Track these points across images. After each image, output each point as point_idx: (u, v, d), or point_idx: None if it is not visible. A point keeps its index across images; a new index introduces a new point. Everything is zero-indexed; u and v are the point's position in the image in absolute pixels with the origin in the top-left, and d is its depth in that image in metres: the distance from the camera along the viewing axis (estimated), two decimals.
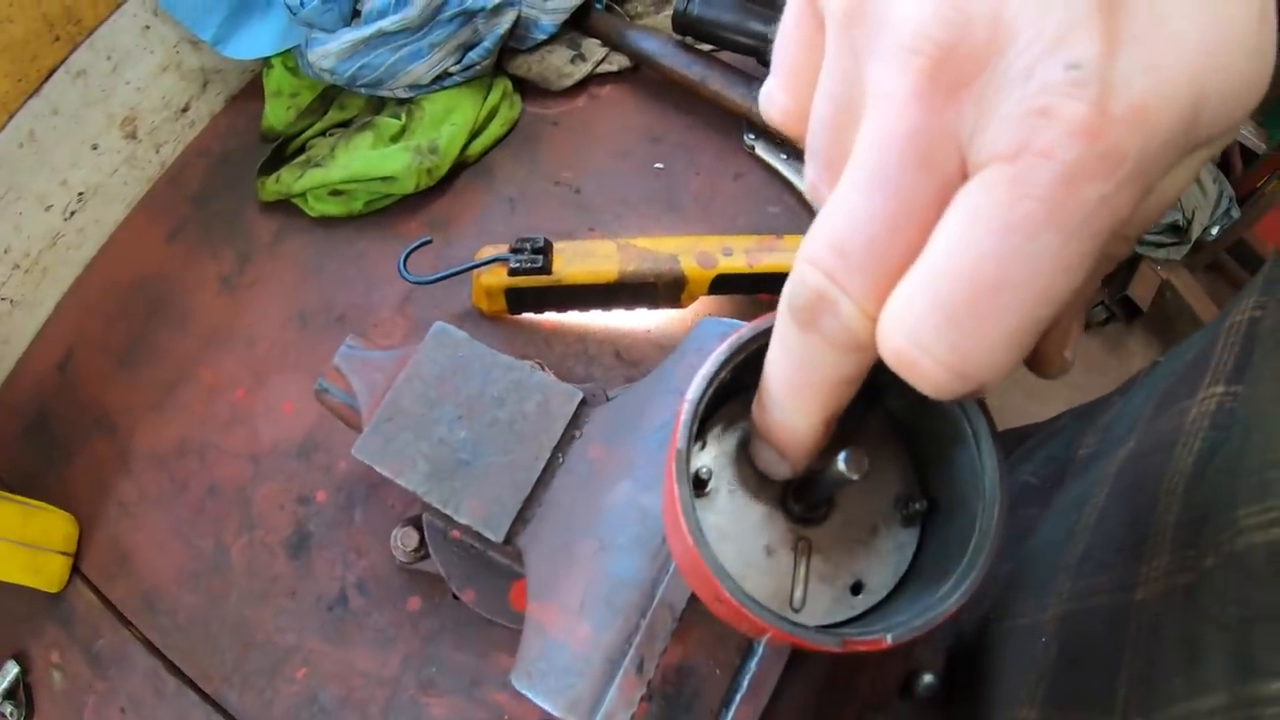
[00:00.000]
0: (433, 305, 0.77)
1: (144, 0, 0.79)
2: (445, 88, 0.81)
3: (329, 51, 0.76)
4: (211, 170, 0.88)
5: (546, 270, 0.68)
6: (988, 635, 0.51)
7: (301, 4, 0.75)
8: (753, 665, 0.34)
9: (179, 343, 0.79)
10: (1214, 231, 1.87)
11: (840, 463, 0.27)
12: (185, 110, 0.88)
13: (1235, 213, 1.88)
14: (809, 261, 0.23)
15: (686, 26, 0.80)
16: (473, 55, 0.79)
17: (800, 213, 0.79)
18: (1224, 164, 1.94)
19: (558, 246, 0.69)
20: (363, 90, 0.81)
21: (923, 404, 0.33)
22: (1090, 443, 0.56)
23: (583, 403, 0.50)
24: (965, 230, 0.20)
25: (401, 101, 0.82)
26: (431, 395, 0.51)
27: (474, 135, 0.82)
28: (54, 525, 0.70)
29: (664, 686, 0.42)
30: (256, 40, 0.82)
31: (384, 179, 0.77)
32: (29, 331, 0.82)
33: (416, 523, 0.60)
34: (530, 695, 0.39)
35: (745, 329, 0.30)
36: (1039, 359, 0.28)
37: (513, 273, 0.68)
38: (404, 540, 0.60)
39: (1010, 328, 0.20)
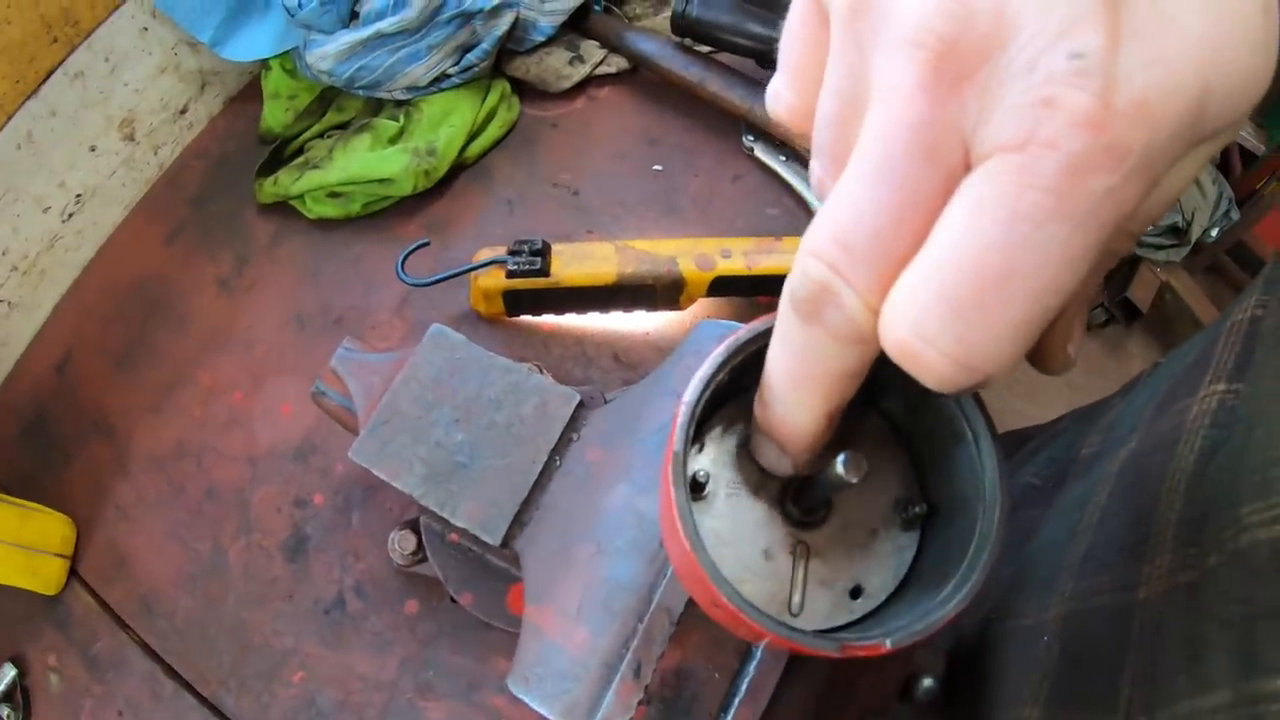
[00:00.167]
0: (430, 307, 0.76)
1: (142, 2, 0.79)
2: (443, 89, 0.81)
3: (327, 53, 0.76)
4: (209, 172, 0.87)
5: (544, 272, 0.68)
6: (989, 636, 0.51)
7: (300, 5, 0.75)
8: (751, 669, 0.34)
9: (177, 345, 0.79)
10: (1213, 233, 1.87)
11: (839, 465, 0.27)
12: (183, 112, 0.88)
13: (1235, 214, 1.88)
14: (812, 254, 0.23)
15: (685, 28, 0.79)
16: (471, 57, 0.79)
17: (799, 214, 0.79)
18: (1223, 166, 1.94)
19: (556, 248, 0.69)
20: (361, 92, 0.80)
21: (922, 406, 0.32)
22: (1092, 443, 0.56)
23: (580, 405, 0.50)
24: (970, 221, 0.20)
25: (400, 103, 0.82)
26: (428, 398, 0.51)
27: (472, 137, 0.81)
28: (51, 527, 0.70)
29: (662, 690, 0.42)
30: (254, 42, 0.82)
31: (382, 181, 0.77)
32: (27, 333, 0.81)
33: (414, 526, 0.60)
34: (527, 700, 0.38)
35: (742, 331, 0.30)
36: (1042, 354, 0.27)
37: (511, 275, 0.68)
38: (401, 543, 0.60)
39: (1015, 319, 0.20)
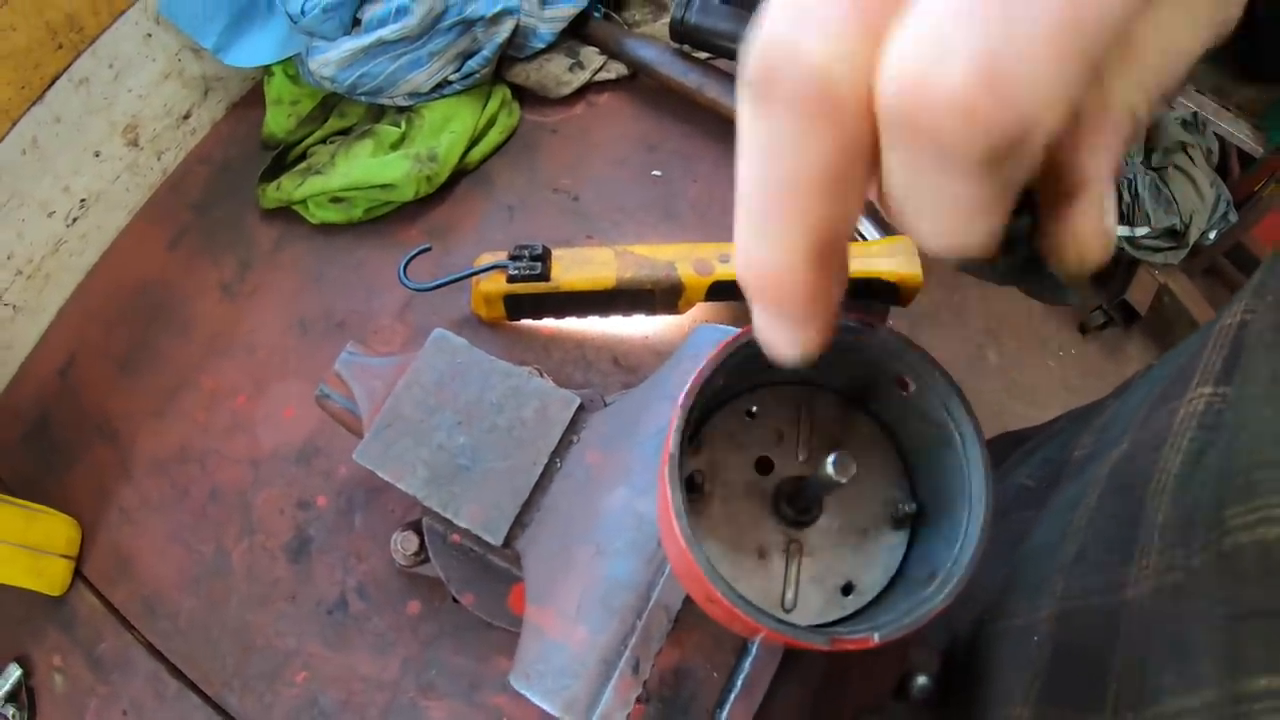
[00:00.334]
0: (432, 312, 0.77)
1: (146, 8, 0.80)
2: (445, 96, 0.81)
3: (329, 60, 0.77)
4: (212, 177, 0.88)
5: (545, 277, 0.69)
6: (982, 636, 0.51)
7: (302, 12, 0.75)
8: (747, 665, 0.35)
9: (180, 349, 0.80)
10: (1211, 235, 1.88)
11: (828, 466, 0.28)
12: (186, 118, 0.89)
13: (1233, 217, 1.89)
14: (761, 37, 0.19)
15: (683, 35, 0.80)
16: (472, 64, 0.80)
17: None
18: (1221, 168, 1.95)
19: (556, 253, 0.70)
20: (363, 98, 0.81)
21: (911, 409, 0.33)
22: (1085, 444, 0.56)
23: (580, 408, 0.51)
24: None
25: (401, 109, 0.83)
26: (431, 401, 0.52)
27: (473, 143, 0.82)
28: (56, 529, 0.71)
29: (661, 689, 0.42)
30: (257, 48, 0.83)
31: (384, 186, 0.78)
32: (31, 337, 0.82)
33: (416, 527, 0.61)
34: (529, 695, 0.39)
35: (737, 335, 0.30)
36: (1074, 238, 0.22)
37: (511, 280, 0.69)
38: (404, 544, 0.60)
39: (1056, 21, 0.15)
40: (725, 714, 0.36)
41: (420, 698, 0.65)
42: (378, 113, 0.85)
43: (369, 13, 0.76)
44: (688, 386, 0.29)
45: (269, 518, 0.72)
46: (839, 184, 0.20)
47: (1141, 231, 1.85)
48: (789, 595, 0.33)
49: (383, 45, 0.76)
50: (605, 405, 0.54)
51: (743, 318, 0.75)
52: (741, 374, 0.31)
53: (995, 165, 0.17)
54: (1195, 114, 1.91)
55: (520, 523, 0.48)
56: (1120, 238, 1.88)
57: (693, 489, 0.34)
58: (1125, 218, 1.87)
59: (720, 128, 0.83)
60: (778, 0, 0.19)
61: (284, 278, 0.82)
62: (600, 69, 0.87)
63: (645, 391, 0.49)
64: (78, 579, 0.72)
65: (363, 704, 0.65)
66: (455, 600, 0.58)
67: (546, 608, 0.42)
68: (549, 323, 0.76)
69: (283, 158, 0.84)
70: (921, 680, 0.50)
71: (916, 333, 0.27)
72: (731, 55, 0.80)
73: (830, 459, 0.28)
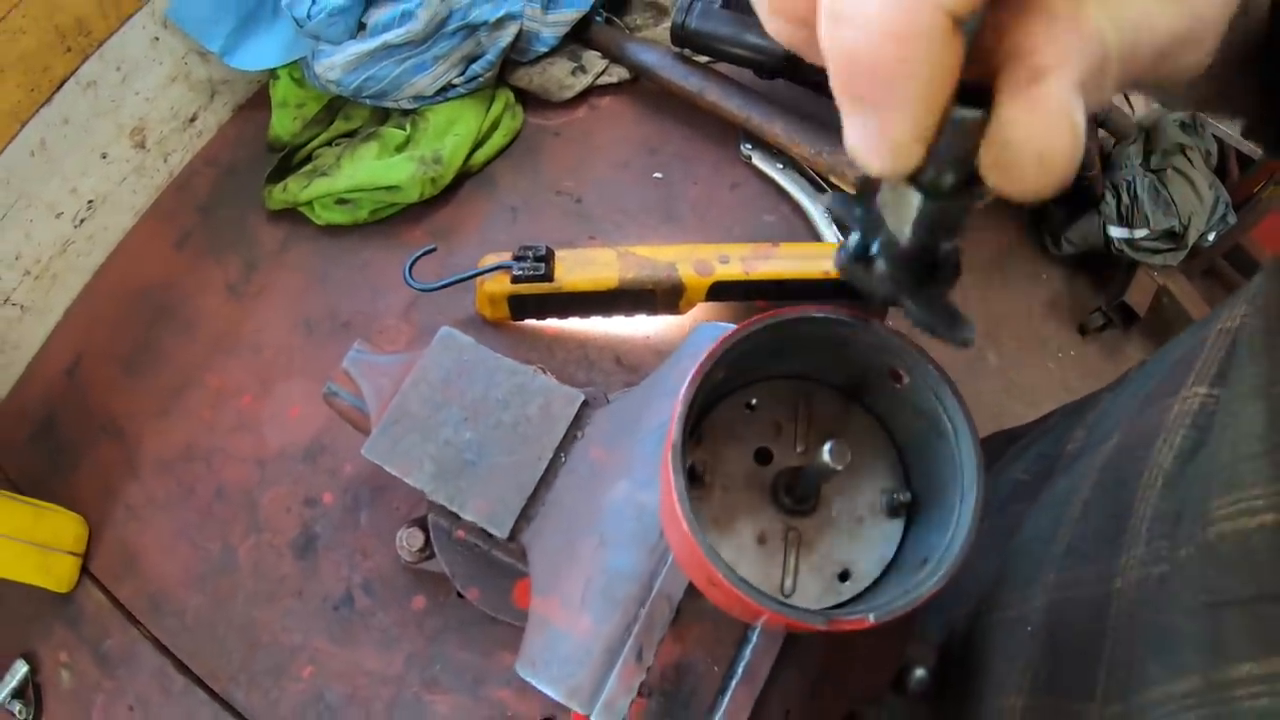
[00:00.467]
0: (437, 312, 0.78)
1: (153, 12, 0.81)
2: (449, 99, 0.82)
3: (335, 63, 0.78)
4: (219, 179, 0.89)
5: (548, 278, 0.69)
6: (978, 629, 0.52)
7: (308, 16, 0.76)
8: (747, 653, 0.36)
9: (186, 349, 0.80)
10: (1210, 237, 1.89)
11: (825, 453, 0.29)
12: (193, 120, 0.89)
13: (1231, 218, 1.90)
14: None
15: (684, 39, 0.81)
16: (476, 67, 0.81)
17: (795, 221, 0.81)
18: (1220, 170, 1.95)
19: (559, 254, 0.71)
20: (368, 101, 0.82)
21: (906, 401, 0.34)
22: (1078, 438, 0.57)
23: (584, 405, 0.52)
24: None
25: (406, 112, 0.84)
26: (438, 398, 0.53)
27: (477, 145, 0.83)
28: (64, 526, 0.71)
29: (663, 684, 0.43)
30: (263, 51, 0.84)
31: (389, 188, 0.79)
32: (39, 337, 0.83)
33: (422, 523, 0.61)
34: (535, 683, 0.40)
35: (736, 329, 0.31)
36: (1038, 122, 0.21)
37: (515, 280, 0.70)
38: (409, 540, 0.61)
39: None
40: (726, 701, 0.36)
41: (425, 692, 0.66)
42: (383, 115, 0.86)
43: (374, 17, 0.77)
44: (690, 377, 0.30)
45: (275, 515, 0.73)
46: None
47: (1140, 233, 1.86)
48: (788, 582, 0.34)
49: (388, 49, 0.77)
50: (608, 403, 0.55)
51: (743, 317, 0.76)
52: (741, 368, 0.32)
53: None
54: (1194, 116, 1.92)
55: (525, 516, 0.49)
56: (1119, 240, 1.88)
57: (694, 480, 0.35)
58: (1124, 220, 1.87)
59: (720, 131, 0.84)
60: None
61: (290, 278, 0.82)
62: (602, 73, 0.88)
63: (647, 389, 0.50)
64: (85, 576, 0.73)
65: (368, 699, 0.66)
66: (460, 595, 0.59)
67: (551, 598, 0.43)
68: (552, 323, 0.77)
69: (288, 160, 0.85)
70: (919, 673, 0.51)
71: (915, 334, 0.27)
72: (732, 59, 0.81)
73: (827, 446, 0.29)
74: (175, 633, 0.70)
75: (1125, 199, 1.86)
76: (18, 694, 0.69)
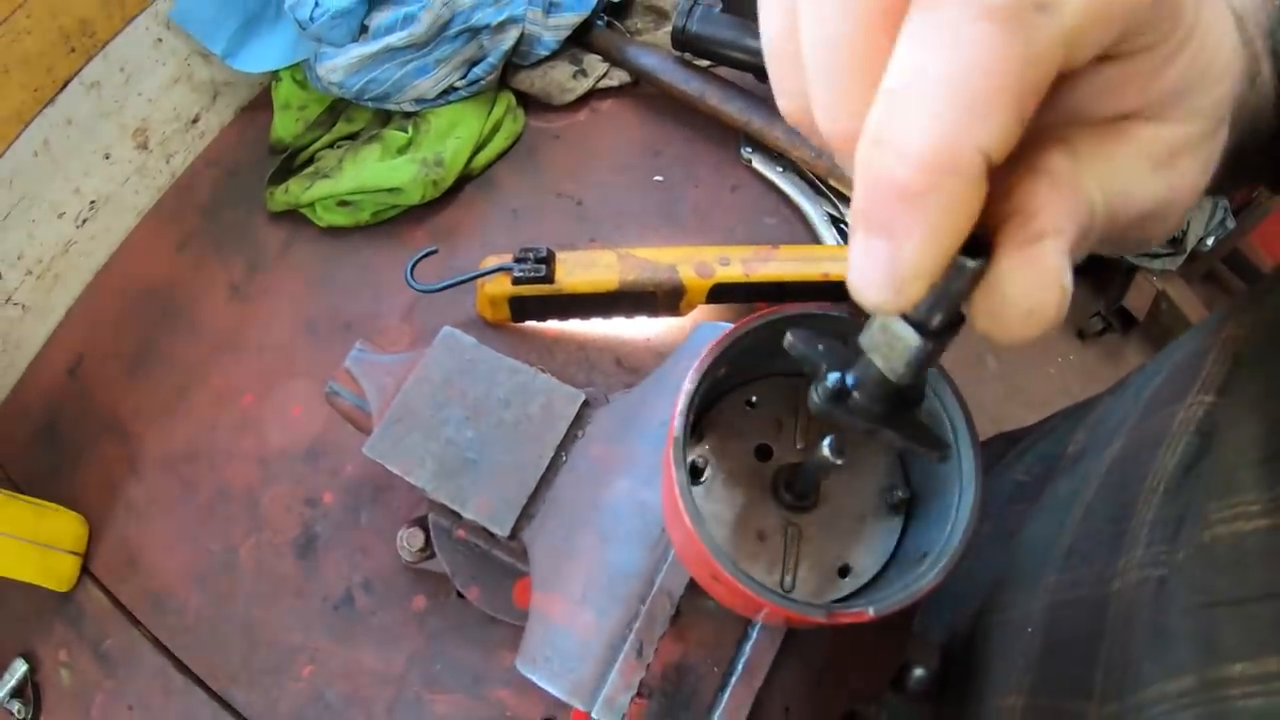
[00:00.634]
0: (438, 314, 0.78)
1: (157, 14, 0.81)
2: (450, 102, 0.83)
3: (337, 66, 0.78)
4: (221, 180, 0.89)
5: (549, 279, 0.70)
6: (979, 629, 0.52)
7: (311, 19, 0.77)
8: (747, 649, 0.36)
9: (188, 349, 0.81)
10: (1209, 242, 1.89)
11: (825, 448, 0.29)
12: (195, 121, 0.90)
13: (1230, 223, 1.90)
14: None
15: (685, 43, 0.82)
16: (477, 70, 0.82)
17: (795, 223, 0.81)
18: None
19: (560, 256, 0.71)
20: (370, 104, 0.83)
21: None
22: (1079, 440, 0.57)
23: (585, 404, 0.52)
24: None
25: (408, 115, 0.84)
26: (440, 397, 0.53)
27: (478, 148, 0.84)
28: (64, 525, 0.72)
29: (664, 684, 0.44)
30: (266, 53, 0.84)
31: (390, 190, 0.79)
32: (40, 336, 0.83)
33: (422, 523, 0.62)
34: (535, 679, 0.40)
35: (737, 325, 0.31)
36: (1033, 279, 0.22)
37: (516, 282, 0.70)
38: (410, 540, 0.61)
39: None
40: (726, 697, 0.37)
41: (425, 692, 0.66)
42: (385, 118, 0.86)
43: (377, 20, 0.78)
44: (692, 371, 0.30)
45: (276, 515, 0.73)
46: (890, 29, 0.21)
47: None
48: (788, 578, 0.34)
49: (390, 52, 0.78)
50: (608, 403, 0.55)
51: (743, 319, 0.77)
52: (742, 365, 0.32)
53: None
54: None
55: (526, 515, 0.49)
56: None
57: (695, 476, 0.35)
58: None
59: (721, 134, 0.85)
60: None
61: (292, 279, 0.83)
62: (603, 76, 0.88)
63: (647, 388, 0.50)
64: (85, 575, 0.73)
65: (368, 698, 0.66)
66: (460, 595, 0.59)
67: (552, 595, 0.43)
68: (553, 324, 0.77)
69: (290, 161, 0.86)
70: (919, 672, 0.51)
71: None
72: (732, 63, 0.82)
73: (826, 442, 0.29)
74: (175, 632, 0.70)
75: None
76: (17, 693, 0.69)
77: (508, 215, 0.84)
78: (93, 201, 0.83)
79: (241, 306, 0.82)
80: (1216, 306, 1.94)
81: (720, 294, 0.72)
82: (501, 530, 0.48)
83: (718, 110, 0.82)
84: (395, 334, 0.79)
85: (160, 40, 0.83)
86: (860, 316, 0.32)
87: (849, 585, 0.35)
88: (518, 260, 0.70)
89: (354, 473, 0.73)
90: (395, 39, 0.77)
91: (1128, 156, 0.23)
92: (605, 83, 0.88)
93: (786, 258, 0.71)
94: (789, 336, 0.27)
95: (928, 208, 0.20)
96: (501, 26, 0.81)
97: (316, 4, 0.76)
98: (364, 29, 0.79)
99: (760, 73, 0.81)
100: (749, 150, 0.84)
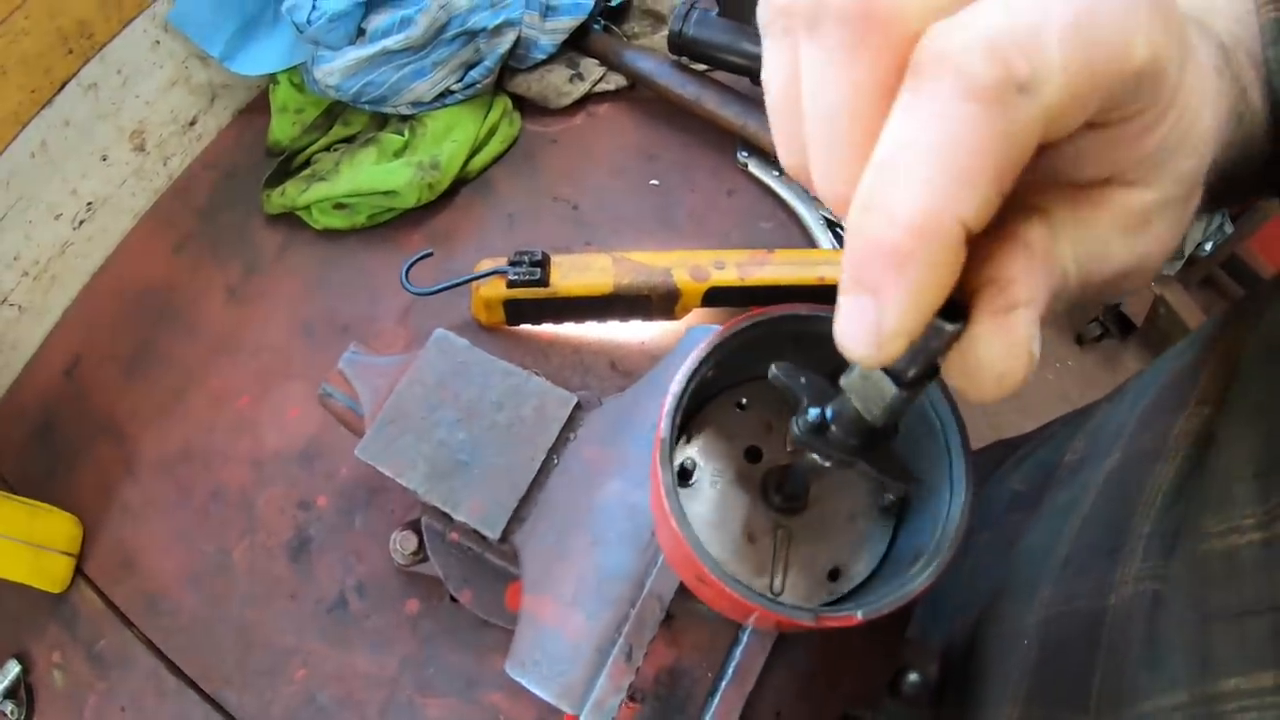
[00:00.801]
0: (433, 317, 0.78)
1: (155, 16, 0.81)
2: (447, 105, 0.83)
3: (334, 69, 0.79)
4: (218, 183, 0.90)
5: (544, 283, 0.70)
6: (977, 640, 0.52)
7: (308, 22, 0.77)
8: (738, 653, 0.36)
9: (184, 351, 0.81)
10: (1207, 247, 1.89)
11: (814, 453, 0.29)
12: (193, 124, 0.90)
13: (1228, 228, 1.90)
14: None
15: (682, 47, 0.82)
16: (474, 74, 0.82)
17: (791, 228, 0.81)
18: None
19: (555, 260, 0.71)
20: (367, 107, 0.83)
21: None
22: (1077, 448, 0.57)
23: (577, 407, 0.52)
24: None
25: (404, 118, 0.84)
26: (432, 399, 0.53)
27: (474, 151, 0.84)
28: (58, 526, 0.71)
29: (657, 688, 0.43)
30: (263, 56, 0.84)
31: (387, 193, 0.79)
32: (37, 337, 0.83)
33: (415, 526, 0.62)
34: (525, 683, 0.40)
35: (725, 326, 0.31)
36: (1004, 348, 0.23)
37: (511, 285, 0.70)
38: (403, 543, 0.61)
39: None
40: (716, 701, 0.37)
41: (418, 695, 0.66)
42: (381, 121, 0.86)
43: (374, 23, 0.78)
44: (680, 373, 0.30)
45: (270, 517, 0.73)
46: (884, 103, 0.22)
47: None
48: (777, 581, 0.34)
49: (387, 55, 0.78)
50: (601, 406, 0.55)
51: None
52: (731, 366, 0.32)
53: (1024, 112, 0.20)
54: None
55: (518, 517, 0.49)
56: None
57: (684, 478, 0.35)
58: None
59: (717, 138, 0.85)
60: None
61: (288, 282, 0.83)
62: (600, 80, 0.88)
63: (639, 390, 0.50)
64: (79, 576, 0.73)
65: (361, 701, 0.66)
66: (453, 599, 0.59)
67: (543, 597, 0.43)
68: (548, 328, 0.77)
69: (287, 164, 0.86)
70: (913, 677, 0.51)
71: None
72: (729, 67, 0.82)
73: None
74: (169, 633, 0.70)
75: None
76: (10, 694, 0.69)
77: (503, 219, 0.84)
78: (90, 203, 0.83)
79: (238, 308, 0.82)
80: (1214, 312, 1.94)
81: (715, 298, 0.72)
82: (493, 533, 0.48)
83: (714, 114, 0.82)
84: (391, 337, 0.79)
85: (158, 42, 0.83)
86: None
87: (840, 588, 0.35)
88: (512, 263, 0.70)
89: (348, 475, 0.73)
90: (392, 42, 0.77)
91: (1103, 222, 0.24)
92: (602, 86, 0.89)
93: (782, 262, 0.71)
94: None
95: (909, 272, 0.21)
96: (498, 30, 0.81)
97: (314, 7, 0.77)
98: (361, 32, 0.79)
99: (757, 77, 0.81)
100: (745, 154, 0.84)
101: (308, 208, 0.82)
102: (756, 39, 0.80)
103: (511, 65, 0.86)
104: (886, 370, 0.25)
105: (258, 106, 0.93)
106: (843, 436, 0.27)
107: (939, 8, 0.21)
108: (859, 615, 0.28)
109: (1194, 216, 0.27)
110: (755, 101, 0.81)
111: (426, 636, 0.67)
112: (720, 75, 0.84)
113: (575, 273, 0.70)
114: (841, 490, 0.36)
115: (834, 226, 0.80)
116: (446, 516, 0.53)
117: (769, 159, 0.83)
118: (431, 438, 0.52)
